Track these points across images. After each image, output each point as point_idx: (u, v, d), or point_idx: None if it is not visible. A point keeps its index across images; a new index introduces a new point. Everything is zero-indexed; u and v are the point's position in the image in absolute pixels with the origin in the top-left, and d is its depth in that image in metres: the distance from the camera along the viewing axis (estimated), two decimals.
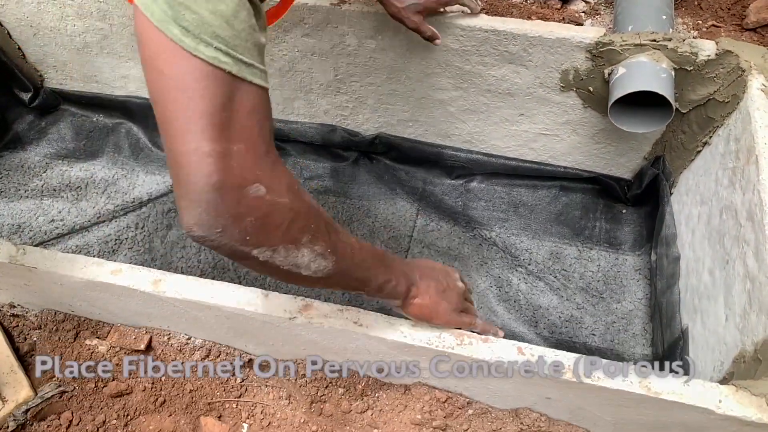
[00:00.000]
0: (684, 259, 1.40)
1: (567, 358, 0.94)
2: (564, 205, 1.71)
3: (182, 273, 1.14)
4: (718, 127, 1.37)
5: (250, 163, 0.60)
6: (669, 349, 1.34)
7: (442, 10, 1.34)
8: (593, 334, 1.48)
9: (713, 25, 1.61)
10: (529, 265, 1.59)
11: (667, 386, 0.91)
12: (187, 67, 0.56)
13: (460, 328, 0.96)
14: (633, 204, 1.68)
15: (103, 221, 1.69)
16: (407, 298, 0.90)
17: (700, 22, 1.63)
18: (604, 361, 0.93)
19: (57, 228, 1.68)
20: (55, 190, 1.75)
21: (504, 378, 0.99)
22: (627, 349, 1.45)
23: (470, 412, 1.09)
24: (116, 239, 1.66)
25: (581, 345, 1.45)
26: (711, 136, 1.39)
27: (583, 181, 1.71)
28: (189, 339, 1.16)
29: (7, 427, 1.06)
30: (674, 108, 1.30)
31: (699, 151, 1.44)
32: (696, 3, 1.66)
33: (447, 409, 1.08)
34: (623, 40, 1.34)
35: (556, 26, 1.37)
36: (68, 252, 1.55)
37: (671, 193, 1.54)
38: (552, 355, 0.94)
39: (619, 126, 1.38)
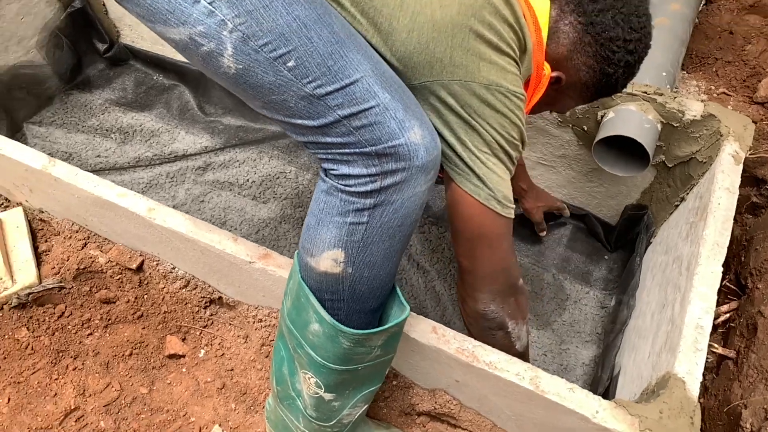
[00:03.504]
0: (639, 302, 1.48)
1: (472, 343, 1.06)
2: (552, 234, 1.80)
3: None
4: (694, 185, 1.45)
5: (517, 267, 1.10)
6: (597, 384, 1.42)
7: (556, 212, 1.73)
8: (545, 355, 1.57)
9: (724, 93, 1.69)
10: None
11: (553, 387, 1.02)
12: (500, 221, 0.98)
13: None
14: (615, 249, 1.76)
15: (140, 166, 1.92)
16: None
17: (713, 87, 1.71)
18: (504, 354, 1.05)
19: (101, 163, 1.91)
20: (107, 130, 1.99)
21: (419, 354, 1.11)
22: (567, 375, 1.54)
23: (395, 383, 1.22)
24: (147, 183, 1.88)
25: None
26: (688, 193, 1.47)
27: (572, 218, 1.80)
28: (173, 268, 1.34)
29: (12, 303, 1.27)
30: (650, 158, 1.39)
31: (677, 206, 1.52)
32: (714, 70, 1.74)
33: None
34: None
35: None
36: None
37: (650, 243, 1.62)
38: (460, 339, 1.06)
39: (601, 164, 1.48)
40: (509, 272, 1.05)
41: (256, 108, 0.84)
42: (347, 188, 0.81)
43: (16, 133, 1.95)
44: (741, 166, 1.32)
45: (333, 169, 0.81)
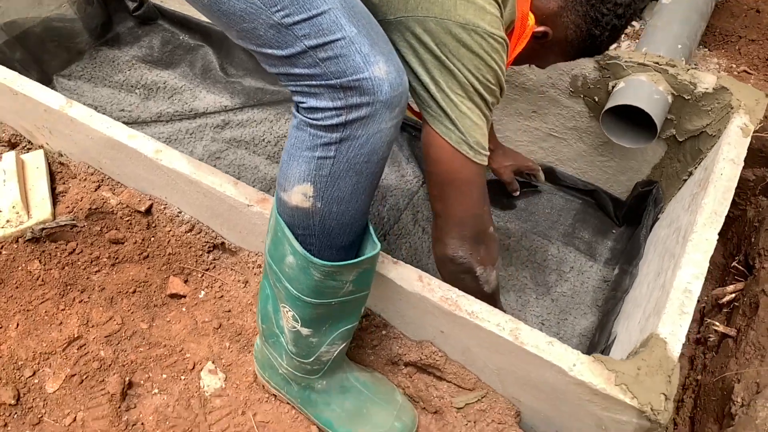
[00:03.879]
0: (640, 274, 1.48)
1: (455, 293, 1.08)
2: (560, 207, 1.80)
3: None
4: (702, 158, 1.43)
5: (489, 215, 1.10)
6: (595, 348, 1.42)
7: (527, 174, 1.72)
8: (542, 324, 1.58)
9: (745, 71, 1.65)
10: (507, 250, 1.70)
11: (532, 340, 1.03)
12: (470, 167, 0.99)
13: None
14: (623, 224, 1.75)
15: (162, 121, 1.97)
16: None
17: (734, 65, 1.67)
18: (486, 305, 1.07)
19: (124, 116, 1.98)
20: (132, 86, 2.05)
21: (407, 303, 1.14)
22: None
23: (384, 332, 1.25)
24: (167, 137, 1.93)
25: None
26: (696, 167, 1.46)
27: (582, 192, 1.80)
28: (180, 212, 1.39)
29: (26, 236, 1.34)
30: (658, 129, 1.38)
31: (685, 180, 1.50)
32: (737, 48, 1.70)
33: (363, 323, 1.24)
34: (629, 57, 1.43)
35: None
36: None
37: (657, 218, 1.61)
38: (445, 288, 1.08)
39: (609, 135, 1.47)
40: (480, 219, 1.06)
41: (234, 38, 0.86)
42: (315, 122, 0.83)
43: (46, 85, 2.02)
44: (749, 139, 1.30)
45: (302, 102, 0.84)
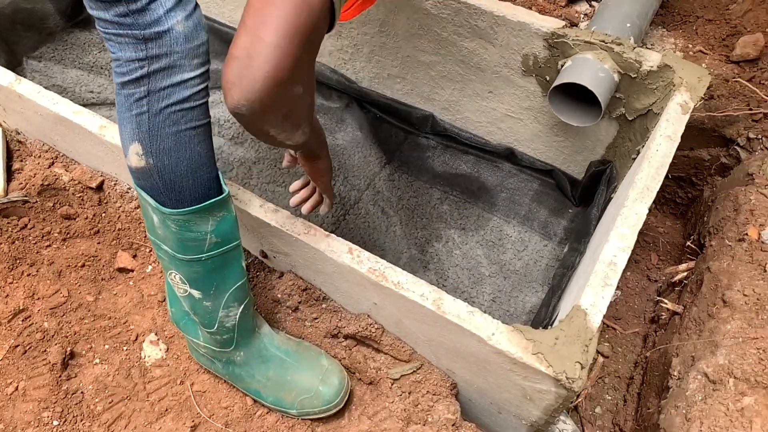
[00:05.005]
0: (587, 251, 1.49)
1: (382, 264, 1.10)
2: (518, 187, 1.81)
3: None
4: (648, 137, 1.44)
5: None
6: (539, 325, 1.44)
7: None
8: (493, 301, 1.60)
9: (700, 51, 1.65)
10: (463, 230, 1.72)
11: (453, 309, 1.05)
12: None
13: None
14: (579, 204, 1.76)
15: None
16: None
17: (690, 45, 1.67)
18: (411, 276, 1.08)
19: (93, 98, 2.00)
20: (101, 68, 2.07)
21: (340, 275, 1.16)
22: (511, 321, 1.56)
23: (324, 306, 1.27)
24: None
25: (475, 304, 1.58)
26: (643, 146, 1.46)
27: (540, 172, 1.81)
28: (129, 189, 1.41)
29: None
30: (602, 107, 1.39)
31: (634, 159, 1.51)
32: (694, 28, 1.70)
33: (303, 296, 1.27)
34: (576, 36, 1.44)
35: (520, 10, 1.49)
36: None
37: (611, 198, 1.62)
38: (373, 261, 1.10)
39: (557, 114, 1.48)
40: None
41: None
42: (124, 78, 0.87)
43: (16, 67, 2.05)
44: (687, 116, 1.30)
45: (112, 52, 0.88)
